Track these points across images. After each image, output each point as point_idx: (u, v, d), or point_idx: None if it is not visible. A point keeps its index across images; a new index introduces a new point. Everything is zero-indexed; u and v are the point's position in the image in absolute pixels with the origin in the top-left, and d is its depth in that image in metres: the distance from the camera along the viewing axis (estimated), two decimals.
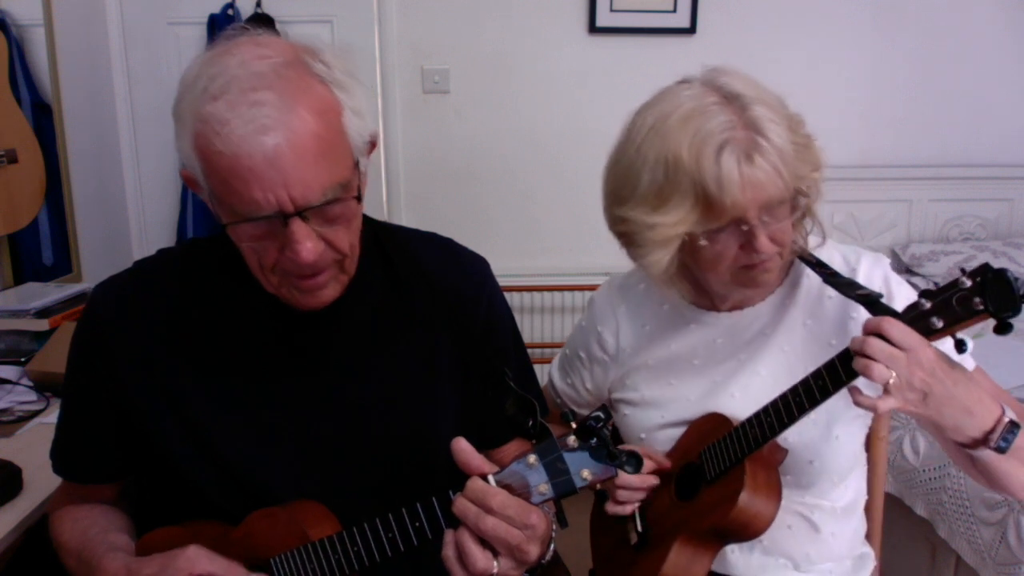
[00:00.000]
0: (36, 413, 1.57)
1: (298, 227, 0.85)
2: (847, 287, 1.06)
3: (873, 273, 1.12)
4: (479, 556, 0.80)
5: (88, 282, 2.33)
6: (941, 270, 2.75)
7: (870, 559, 1.26)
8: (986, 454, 0.96)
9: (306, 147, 0.83)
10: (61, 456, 1.07)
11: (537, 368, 1.24)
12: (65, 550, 1.05)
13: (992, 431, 0.94)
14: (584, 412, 1.31)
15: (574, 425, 0.80)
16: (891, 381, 0.90)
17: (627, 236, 1.09)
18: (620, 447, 0.81)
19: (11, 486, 1.26)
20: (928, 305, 0.92)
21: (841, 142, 3.01)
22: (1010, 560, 1.61)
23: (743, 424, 1.06)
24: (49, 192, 2.26)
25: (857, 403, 0.95)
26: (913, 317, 0.92)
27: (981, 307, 0.87)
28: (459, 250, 1.14)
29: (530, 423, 0.81)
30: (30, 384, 1.69)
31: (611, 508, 1.13)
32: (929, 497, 1.83)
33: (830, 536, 1.17)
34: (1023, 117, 3.02)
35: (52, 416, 1.31)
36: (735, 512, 1.04)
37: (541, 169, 2.91)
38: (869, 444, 1.24)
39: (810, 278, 1.15)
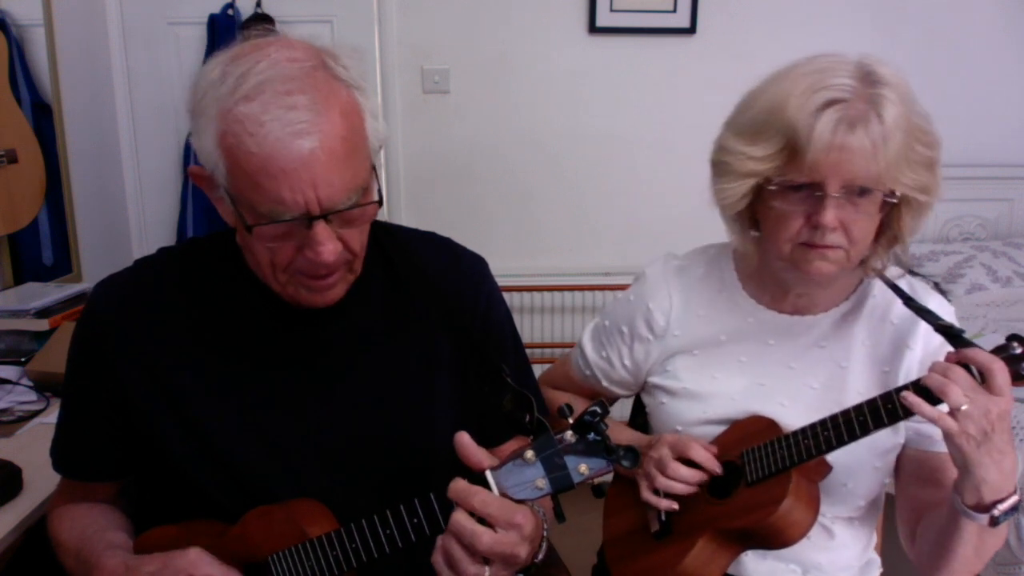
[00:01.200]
0: (36, 413, 1.57)
1: (321, 229, 0.87)
2: (927, 314, 1.05)
3: (941, 312, 1.09)
4: (467, 562, 0.81)
5: (88, 282, 2.33)
6: (941, 270, 2.75)
7: (876, 566, 1.25)
8: (978, 519, 0.96)
9: (336, 150, 0.84)
10: (61, 454, 1.08)
11: (536, 368, 1.24)
12: (64, 549, 1.05)
13: (1002, 501, 0.95)
14: (616, 388, 1.30)
15: (571, 420, 0.80)
16: (963, 408, 0.90)
17: (717, 165, 1.09)
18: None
19: (11, 486, 1.26)
20: (1020, 350, 0.92)
21: None
22: (1010, 560, 1.61)
23: (796, 433, 1.05)
24: (49, 192, 2.26)
25: (915, 406, 0.93)
26: (1006, 359, 0.92)
27: None
28: (458, 250, 1.15)
29: (527, 419, 0.81)
30: (30, 384, 1.69)
31: (648, 496, 1.12)
32: None
33: (842, 546, 1.17)
34: (1023, 117, 3.02)
35: (52, 416, 1.31)
36: (775, 518, 1.03)
37: (541, 169, 2.91)
38: None
39: (875, 298, 1.14)
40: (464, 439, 0.84)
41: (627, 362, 1.26)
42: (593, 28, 2.81)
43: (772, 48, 2.94)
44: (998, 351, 0.93)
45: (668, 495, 1.11)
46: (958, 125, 2.99)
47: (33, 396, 1.65)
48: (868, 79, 0.98)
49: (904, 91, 1.00)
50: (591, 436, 0.79)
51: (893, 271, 1.12)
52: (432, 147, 2.88)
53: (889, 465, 1.13)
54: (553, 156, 2.91)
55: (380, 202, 0.93)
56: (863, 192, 0.99)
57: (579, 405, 1.00)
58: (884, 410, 0.97)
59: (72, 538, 1.04)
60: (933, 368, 0.94)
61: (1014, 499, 0.95)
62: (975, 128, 3.00)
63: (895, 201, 1.01)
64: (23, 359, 1.78)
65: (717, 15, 2.83)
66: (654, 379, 1.24)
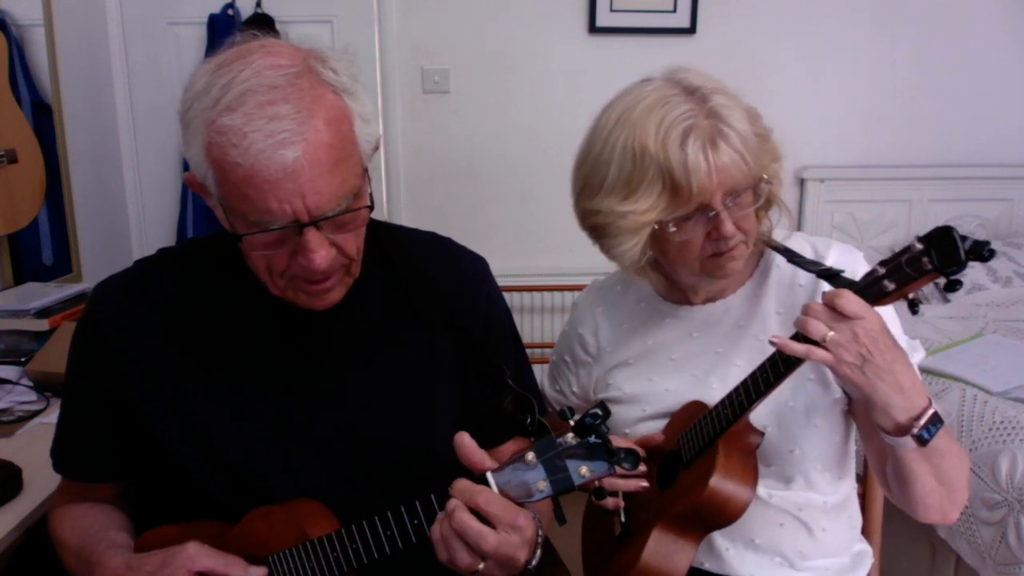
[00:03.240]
0: (36, 413, 1.57)
1: (312, 236, 0.87)
2: (809, 264, 1.08)
3: (842, 261, 1.12)
4: (463, 553, 0.81)
5: (88, 282, 2.33)
6: None
7: (868, 556, 1.25)
8: (906, 444, 0.96)
9: (322, 159, 0.84)
10: (62, 455, 1.08)
11: (536, 368, 1.24)
12: (65, 548, 1.05)
13: (918, 418, 0.94)
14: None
15: (572, 423, 0.80)
16: (828, 336, 0.92)
17: (599, 228, 1.11)
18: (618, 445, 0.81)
19: (11, 486, 1.26)
20: (882, 271, 0.93)
21: (841, 142, 3.01)
22: (1010, 560, 1.61)
23: (716, 405, 1.07)
24: (49, 192, 2.26)
25: (783, 346, 0.95)
26: (868, 283, 0.94)
27: (929, 266, 0.87)
28: (458, 250, 1.15)
29: (528, 421, 0.81)
30: (30, 384, 1.69)
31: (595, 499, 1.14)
32: None
33: (821, 532, 1.17)
34: (1023, 117, 3.02)
35: (52, 416, 1.31)
36: (707, 493, 1.04)
37: (541, 169, 2.91)
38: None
39: (780, 267, 1.17)
40: (465, 439, 0.84)
41: (576, 389, 1.33)
42: (593, 28, 2.81)
43: (772, 48, 2.96)
44: (863, 279, 0.95)
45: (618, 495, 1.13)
46: (958, 125, 3.02)
47: (33, 396, 1.65)
48: (695, 94, 1.03)
49: (719, 87, 1.05)
50: (592, 438, 0.79)
51: (780, 233, 1.16)
52: (432, 147, 2.89)
53: (833, 423, 1.14)
54: (553, 156, 2.90)
55: (371, 206, 0.93)
56: (741, 193, 1.04)
57: None
58: (780, 360, 0.99)
59: (73, 537, 1.04)
60: (801, 311, 0.96)
61: (930, 412, 0.95)
62: (975, 128, 3.01)
63: (769, 184, 1.07)
64: (23, 359, 1.78)
65: (717, 15, 2.83)
66: (600, 395, 1.28)
